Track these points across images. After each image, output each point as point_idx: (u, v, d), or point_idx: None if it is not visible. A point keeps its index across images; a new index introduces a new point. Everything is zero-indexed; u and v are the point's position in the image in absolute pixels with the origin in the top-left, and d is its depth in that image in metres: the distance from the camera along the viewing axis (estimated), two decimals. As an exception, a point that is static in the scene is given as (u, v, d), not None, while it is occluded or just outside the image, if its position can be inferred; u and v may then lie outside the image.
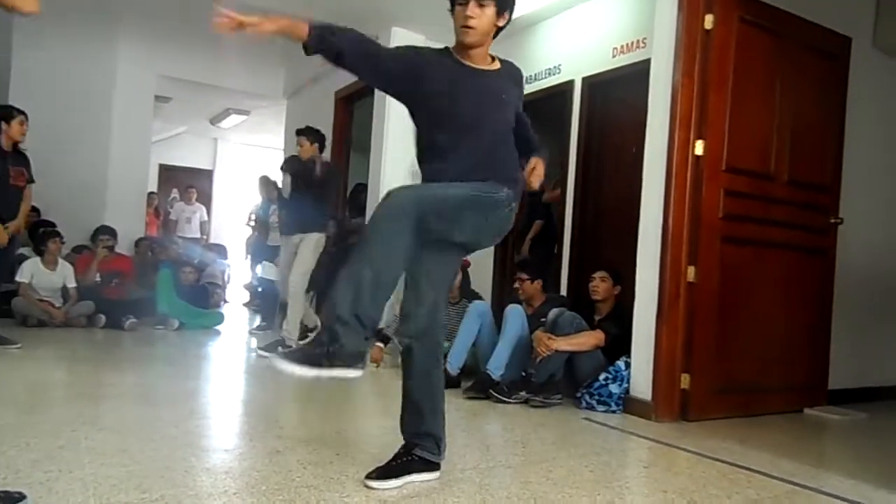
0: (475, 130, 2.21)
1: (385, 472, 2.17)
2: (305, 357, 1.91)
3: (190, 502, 1.90)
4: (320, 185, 5.10)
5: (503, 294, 5.61)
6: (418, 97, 2.25)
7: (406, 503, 2.02)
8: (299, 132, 5.20)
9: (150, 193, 10.18)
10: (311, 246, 4.99)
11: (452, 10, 2.22)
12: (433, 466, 2.25)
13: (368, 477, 2.15)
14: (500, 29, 2.27)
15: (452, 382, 3.91)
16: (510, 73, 2.36)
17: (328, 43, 2.15)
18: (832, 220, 4.06)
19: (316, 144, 5.17)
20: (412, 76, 2.22)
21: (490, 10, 2.18)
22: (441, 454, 2.27)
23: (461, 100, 2.20)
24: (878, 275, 4.50)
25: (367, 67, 2.26)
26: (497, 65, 2.33)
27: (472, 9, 2.16)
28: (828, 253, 4.09)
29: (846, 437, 3.65)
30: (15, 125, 4.37)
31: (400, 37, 6.00)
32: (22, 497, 1.77)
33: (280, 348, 4.77)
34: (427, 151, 2.27)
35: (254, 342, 5.48)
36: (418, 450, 2.23)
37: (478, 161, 2.18)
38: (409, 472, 2.19)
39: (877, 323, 4.52)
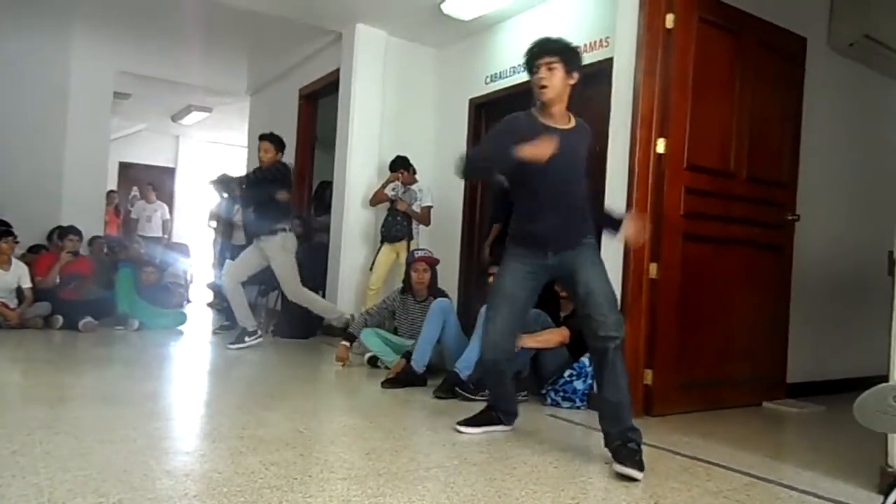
0: (563, 189, 2.65)
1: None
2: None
3: (148, 506, 1.87)
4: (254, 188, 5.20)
5: (469, 293, 5.63)
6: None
7: (370, 501, 2.00)
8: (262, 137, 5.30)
9: (110, 192, 9.98)
10: (278, 256, 5.12)
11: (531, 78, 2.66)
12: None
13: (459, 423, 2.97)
14: (574, 87, 2.66)
15: (418, 380, 3.91)
16: (582, 131, 2.74)
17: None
18: (789, 217, 4.15)
19: (280, 153, 5.27)
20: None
21: (559, 72, 2.59)
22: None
23: (550, 161, 2.49)
24: (835, 270, 4.61)
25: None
26: (573, 123, 2.73)
27: (543, 72, 2.60)
28: (785, 249, 4.18)
29: (804, 429, 3.73)
30: None
31: (363, 34, 5.98)
32: None
33: (247, 338, 5.08)
34: (520, 213, 2.77)
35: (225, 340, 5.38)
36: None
37: (562, 221, 2.66)
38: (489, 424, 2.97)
39: (834, 318, 4.64)
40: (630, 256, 3.49)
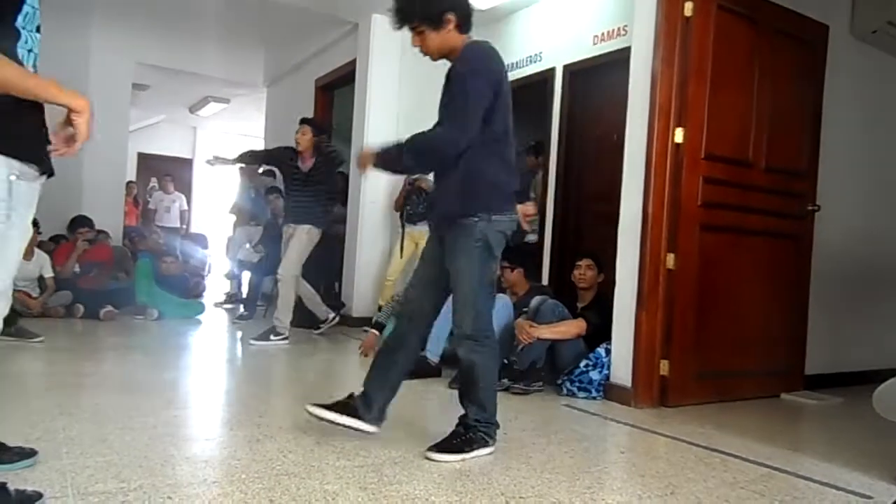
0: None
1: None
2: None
3: (169, 491, 1.89)
4: (309, 177, 5.08)
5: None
6: None
7: (386, 489, 2.02)
8: (303, 121, 5.20)
9: (129, 182, 10.07)
10: (301, 238, 5.00)
11: None
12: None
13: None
14: (459, 26, 2.42)
15: (432, 372, 3.90)
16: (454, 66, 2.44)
17: None
18: (809, 207, 4.11)
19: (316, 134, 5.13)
20: None
21: (428, 32, 2.41)
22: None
23: None
24: (855, 261, 4.56)
25: None
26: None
27: (413, 40, 2.46)
28: (805, 240, 4.14)
29: (822, 421, 3.70)
30: None
31: (379, 24, 5.97)
32: (39, 496, 1.77)
33: (272, 336, 4.87)
34: None
35: (240, 333, 5.40)
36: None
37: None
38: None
39: (853, 309, 4.59)
40: (647, 247, 3.47)
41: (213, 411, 3.11)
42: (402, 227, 5.68)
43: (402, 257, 5.62)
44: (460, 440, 2.43)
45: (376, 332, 4.49)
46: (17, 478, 1.90)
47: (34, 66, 1.72)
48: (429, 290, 2.58)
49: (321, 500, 1.91)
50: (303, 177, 5.03)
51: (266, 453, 2.31)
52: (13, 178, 1.60)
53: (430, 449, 2.39)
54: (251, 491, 1.94)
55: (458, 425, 2.49)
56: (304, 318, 5.80)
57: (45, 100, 1.61)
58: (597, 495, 2.11)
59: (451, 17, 2.40)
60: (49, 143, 1.75)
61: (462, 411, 2.52)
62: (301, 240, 4.97)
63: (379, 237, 6.08)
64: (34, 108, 1.65)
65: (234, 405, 3.22)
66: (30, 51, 1.69)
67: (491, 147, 2.41)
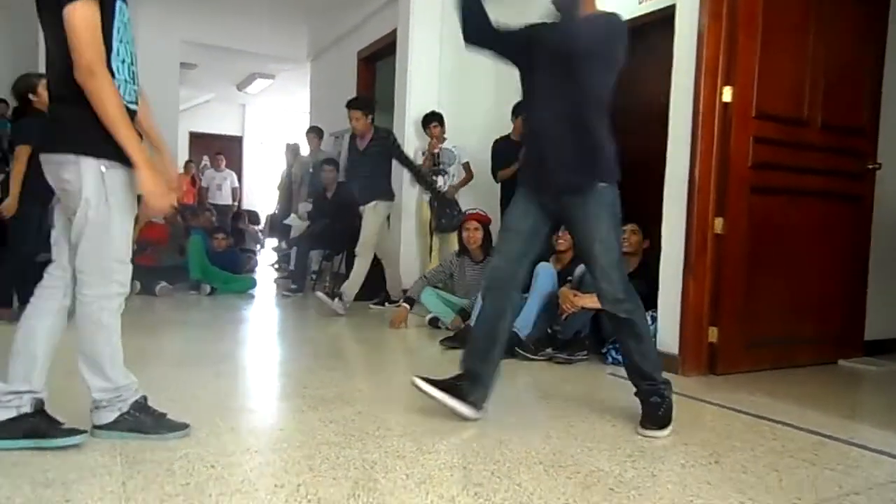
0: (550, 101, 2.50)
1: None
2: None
3: (212, 460, 1.94)
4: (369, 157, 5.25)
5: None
6: None
7: (425, 458, 2.03)
8: (350, 104, 5.26)
9: (188, 162, 10.29)
10: (369, 216, 5.19)
11: None
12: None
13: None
14: None
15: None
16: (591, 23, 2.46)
17: None
18: (869, 166, 3.91)
19: (370, 116, 5.22)
20: None
21: None
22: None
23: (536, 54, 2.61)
24: (919, 221, 4.33)
25: None
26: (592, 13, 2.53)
27: None
28: (864, 200, 3.95)
29: (880, 387, 3.56)
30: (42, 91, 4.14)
31: (419, 3, 5.91)
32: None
33: (337, 300, 5.06)
34: None
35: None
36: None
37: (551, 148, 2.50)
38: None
39: (917, 271, 4.37)
40: (694, 211, 3.36)
41: (261, 383, 3.18)
42: (431, 235, 5.69)
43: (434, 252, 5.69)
44: (664, 410, 2.42)
45: (407, 306, 4.54)
46: (70, 446, 1.97)
47: (129, 72, 2.03)
48: (521, 262, 2.52)
49: (360, 467, 1.93)
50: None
51: (308, 423, 2.35)
52: (104, 168, 1.93)
53: (644, 427, 2.39)
54: (291, 459, 1.98)
55: (651, 396, 2.46)
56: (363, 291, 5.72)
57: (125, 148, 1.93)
58: (637, 463, 2.08)
59: None
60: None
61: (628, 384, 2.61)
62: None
63: (424, 209, 6.06)
64: None
65: (280, 377, 3.28)
66: (123, 61, 1.99)
67: (603, 112, 2.45)
